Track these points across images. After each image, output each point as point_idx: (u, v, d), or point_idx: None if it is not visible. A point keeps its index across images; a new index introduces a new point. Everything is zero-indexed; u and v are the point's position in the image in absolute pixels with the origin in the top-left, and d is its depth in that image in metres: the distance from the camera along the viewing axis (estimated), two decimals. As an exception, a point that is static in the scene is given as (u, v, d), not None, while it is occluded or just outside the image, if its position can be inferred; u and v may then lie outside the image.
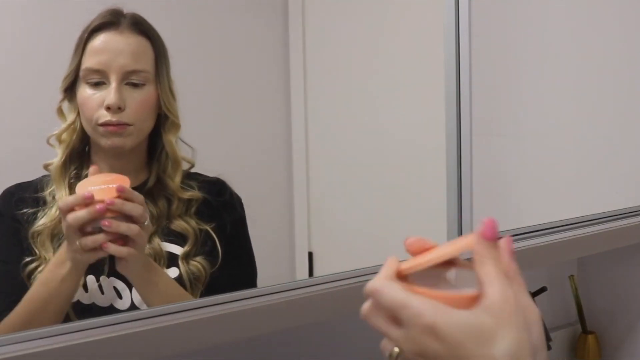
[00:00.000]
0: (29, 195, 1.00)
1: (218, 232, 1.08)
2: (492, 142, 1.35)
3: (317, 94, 1.31)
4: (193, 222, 1.06)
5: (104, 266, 0.99)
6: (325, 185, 1.36)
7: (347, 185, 1.39)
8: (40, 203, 1.00)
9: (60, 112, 1.01)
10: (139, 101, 1.01)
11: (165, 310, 0.91)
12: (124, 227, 0.92)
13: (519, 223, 1.35)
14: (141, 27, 1.02)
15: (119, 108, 0.99)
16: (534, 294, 1.33)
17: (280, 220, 1.29)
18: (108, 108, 0.99)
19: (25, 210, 0.99)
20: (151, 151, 1.06)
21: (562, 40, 1.50)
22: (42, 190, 1.01)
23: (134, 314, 0.89)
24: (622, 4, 1.58)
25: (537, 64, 1.45)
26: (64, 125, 1.01)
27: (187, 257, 1.04)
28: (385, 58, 1.38)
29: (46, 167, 1.01)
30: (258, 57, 1.25)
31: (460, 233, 1.20)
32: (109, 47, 1.00)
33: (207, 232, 1.06)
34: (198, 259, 1.05)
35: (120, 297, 1.00)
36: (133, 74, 1.00)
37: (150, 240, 1.02)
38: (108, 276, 0.99)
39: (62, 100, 1.00)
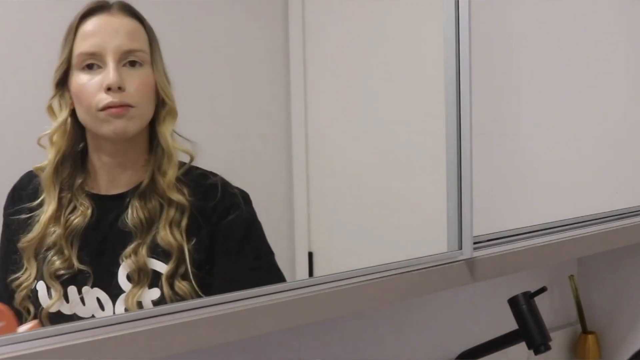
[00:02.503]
0: (26, 201, 0.96)
1: (207, 241, 1.02)
2: (492, 142, 1.35)
3: (317, 94, 1.31)
4: (178, 236, 1.00)
5: (88, 278, 0.96)
6: (325, 185, 1.36)
7: (347, 185, 1.39)
8: (34, 210, 0.96)
9: (50, 110, 0.96)
10: (139, 81, 0.97)
11: (165, 310, 0.91)
12: None
13: (519, 223, 1.35)
14: (132, 10, 0.99)
15: (120, 88, 0.95)
16: (533, 294, 1.33)
17: (280, 220, 1.29)
18: (108, 89, 0.94)
19: (19, 216, 0.96)
20: (150, 148, 1.01)
21: (562, 40, 1.50)
22: (36, 197, 0.97)
23: (133, 314, 0.89)
24: (623, 4, 1.58)
25: (537, 63, 1.45)
26: (55, 124, 0.96)
27: (171, 277, 0.99)
28: (386, 58, 1.38)
29: (37, 170, 0.97)
30: (258, 57, 1.25)
31: (460, 233, 1.20)
32: (103, 28, 0.97)
33: (193, 246, 1.01)
34: (185, 282, 0.99)
35: (102, 308, 0.97)
36: (130, 54, 0.97)
37: (136, 253, 0.98)
38: (92, 287, 0.96)
39: (54, 96, 0.96)
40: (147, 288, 0.98)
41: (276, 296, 0.99)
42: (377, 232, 1.37)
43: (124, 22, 0.98)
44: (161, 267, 0.99)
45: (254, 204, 1.10)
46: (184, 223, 1.01)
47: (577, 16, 1.52)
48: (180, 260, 1.00)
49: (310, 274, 1.31)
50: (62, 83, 0.96)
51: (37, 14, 1.01)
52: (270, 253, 1.09)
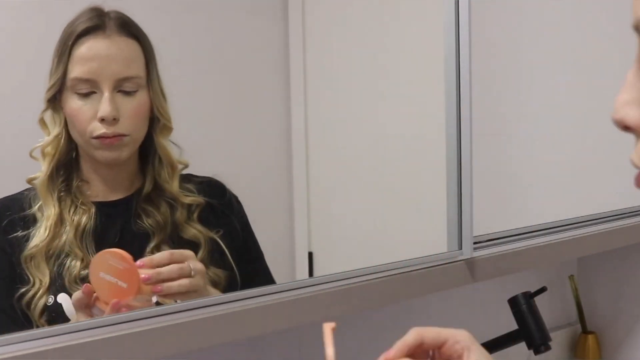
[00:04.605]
0: (17, 215, 0.94)
1: (228, 238, 1.04)
2: (492, 142, 1.35)
3: (317, 94, 1.31)
4: (200, 228, 1.02)
5: None
6: (325, 185, 1.36)
7: (347, 185, 1.39)
8: (30, 223, 0.94)
9: (42, 123, 0.94)
10: (133, 109, 0.96)
11: (165, 310, 0.91)
12: (175, 287, 0.91)
13: (519, 223, 1.35)
14: (129, 28, 0.96)
15: (114, 119, 0.94)
16: (533, 294, 1.33)
17: (280, 220, 1.29)
18: (102, 120, 0.93)
19: (15, 234, 0.93)
20: (143, 156, 1.01)
21: (563, 39, 1.50)
22: (30, 207, 0.94)
23: (133, 314, 0.89)
24: (622, 4, 1.58)
25: (538, 63, 1.45)
26: (48, 138, 0.94)
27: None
28: (385, 58, 1.38)
29: (30, 181, 0.95)
30: (258, 57, 1.25)
31: (460, 233, 1.20)
32: (98, 54, 0.94)
33: (214, 239, 1.03)
34: (213, 269, 1.01)
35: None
36: (125, 81, 0.95)
37: (159, 249, 0.98)
38: None
39: (45, 110, 0.94)
40: None
41: (276, 296, 0.99)
42: (377, 232, 1.37)
43: (120, 46, 0.96)
44: None
45: (254, 204, 1.12)
46: (202, 217, 1.02)
47: (576, 17, 1.52)
48: (210, 249, 1.01)
49: (310, 274, 1.31)
50: (54, 100, 0.94)
51: (27, 20, 1.00)
52: (261, 255, 1.11)
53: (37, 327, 0.92)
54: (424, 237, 1.30)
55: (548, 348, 1.31)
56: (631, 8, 0.47)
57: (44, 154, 0.95)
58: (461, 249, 1.20)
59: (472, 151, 1.18)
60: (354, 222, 1.38)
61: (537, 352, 1.31)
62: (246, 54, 1.22)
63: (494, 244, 1.27)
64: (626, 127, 0.49)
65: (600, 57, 1.56)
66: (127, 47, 0.96)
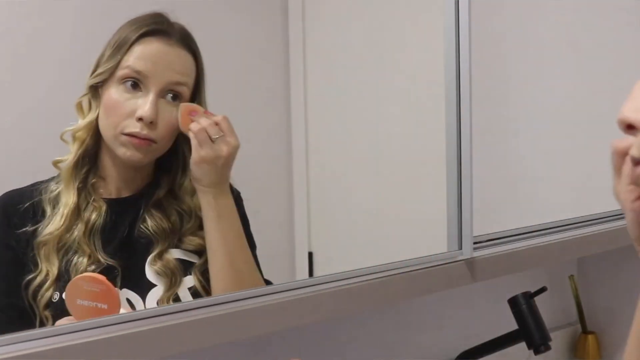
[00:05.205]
0: (27, 209, 0.94)
1: None
2: (492, 142, 1.35)
3: (317, 94, 1.31)
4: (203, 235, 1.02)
5: (117, 278, 0.95)
6: (325, 185, 1.36)
7: (347, 185, 1.39)
8: (39, 217, 0.94)
9: (79, 107, 0.95)
10: (170, 119, 0.97)
11: (165, 311, 0.91)
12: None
13: (519, 223, 1.35)
14: (190, 42, 0.99)
15: (151, 122, 0.94)
16: (533, 294, 1.33)
17: (280, 220, 1.29)
18: (140, 119, 0.94)
19: (24, 229, 0.93)
20: (159, 159, 1.01)
21: (562, 40, 1.50)
22: (41, 201, 0.94)
23: (134, 314, 0.89)
24: (621, 5, 1.58)
25: (537, 63, 1.45)
26: (83, 122, 0.95)
27: (201, 270, 1.01)
28: (386, 57, 1.38)
29: (56, 164, 0.95)
30: (258, 57, 1.25)
31: (460, 233, 1.20)
32: (160, 55, 0.96)
33: None
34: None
35: (133, 308, 0.96)
36: (172, 89, 0.96)
37: (161, 257, 0.99)
38: (121, 288, 0.96)
39: (85, 95, 0.95)
40: (182, 277, 0.99)
41: (276, 296, 0.99)
42: (377, 232, 1.37)
43: (180, 56, 0.98)
44: (193, 257, 1.01)
45: (254, 204, 1.11)
46: None
47: (576, 17, 1.52)
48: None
49: (310, 274, 1.31)
50: (96, 87, 0.95)
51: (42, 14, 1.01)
52: (255, 246, 1.10)
53: (41, 319, 0.93)
54: (424, 237, 1.30)
55: (548, 348, 1.31)
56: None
57: (74, 138, 0.95)
58: (461, 249, 1.20)
59: (472, 151, 1.18)
60: (354, 222, 1.38)
61: (537, 352, 1.31)
62: (246, 54, 1.23)
63: (494, 244, 1.27)
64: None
65: (601, 57, 1.56)
66: (186, 59, 0.99)
